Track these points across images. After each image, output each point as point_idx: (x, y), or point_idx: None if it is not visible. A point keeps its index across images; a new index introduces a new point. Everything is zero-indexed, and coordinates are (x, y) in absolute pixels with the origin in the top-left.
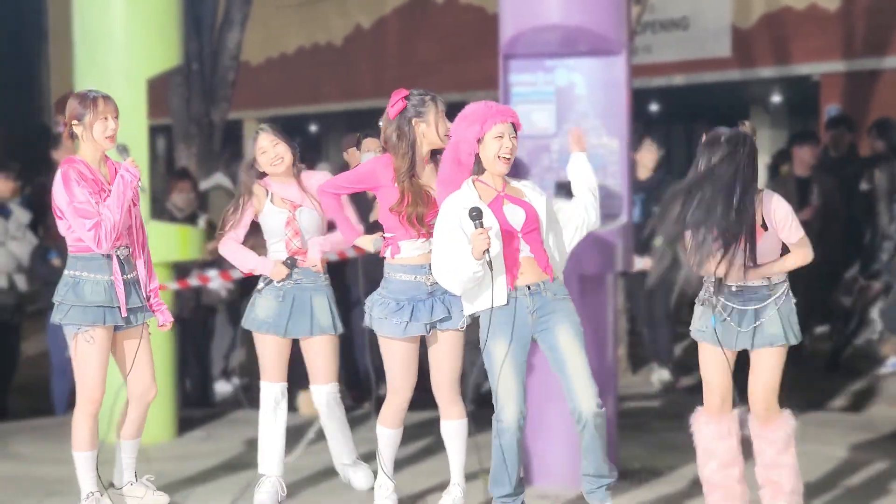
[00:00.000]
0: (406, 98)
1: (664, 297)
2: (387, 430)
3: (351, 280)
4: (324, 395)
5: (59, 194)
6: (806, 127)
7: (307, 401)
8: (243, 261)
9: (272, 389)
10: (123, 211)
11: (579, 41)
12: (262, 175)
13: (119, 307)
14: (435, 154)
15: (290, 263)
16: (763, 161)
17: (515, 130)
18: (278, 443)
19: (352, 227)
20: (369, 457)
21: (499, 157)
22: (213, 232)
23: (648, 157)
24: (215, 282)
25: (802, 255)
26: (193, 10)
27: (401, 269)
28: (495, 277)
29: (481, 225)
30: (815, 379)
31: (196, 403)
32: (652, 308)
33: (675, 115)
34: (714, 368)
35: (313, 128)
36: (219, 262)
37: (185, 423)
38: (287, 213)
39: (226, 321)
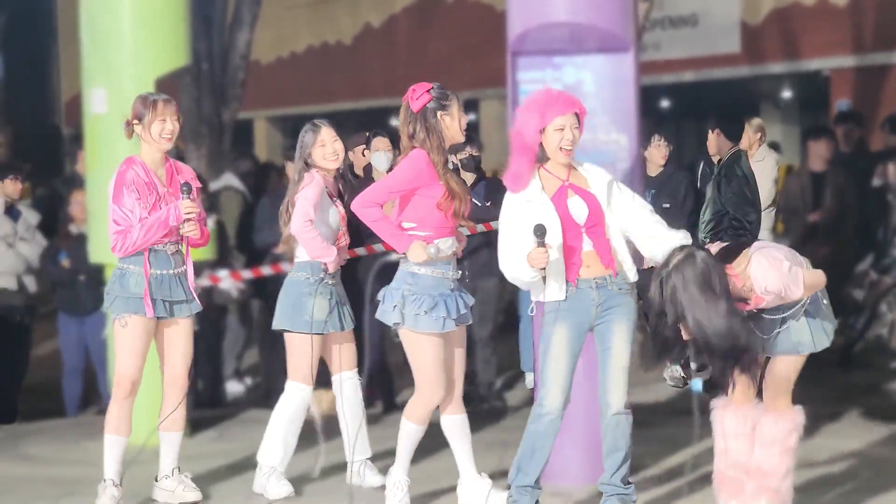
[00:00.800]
0: (429, 91)
1: None
2: (414, 426)
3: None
4: (351, 380)
5: (110, 189)
6: (816, 122)
7: (318, 400)
8: (319, 247)
9: (305, 391)
10: (150, 239)
11: (587, 38)
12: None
13: (156, 300)
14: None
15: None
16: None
17: (579, 119)
18: (293, 442)
19: (406, 235)
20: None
21: (560, 148)
22: (222, 232)
23: (657, 153)
24: (226, 282)
25: (814, 286)
26: (203, 9)
27: (432, 265)
28: (554, 274)
29: (543, 244)
30: (827, 373)
31: (207, 404)
32: None
33: (684, 112)
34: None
35: None
36: (229, 263)
37: (196, 424)
38: (340, 209)
39: (237, 321)
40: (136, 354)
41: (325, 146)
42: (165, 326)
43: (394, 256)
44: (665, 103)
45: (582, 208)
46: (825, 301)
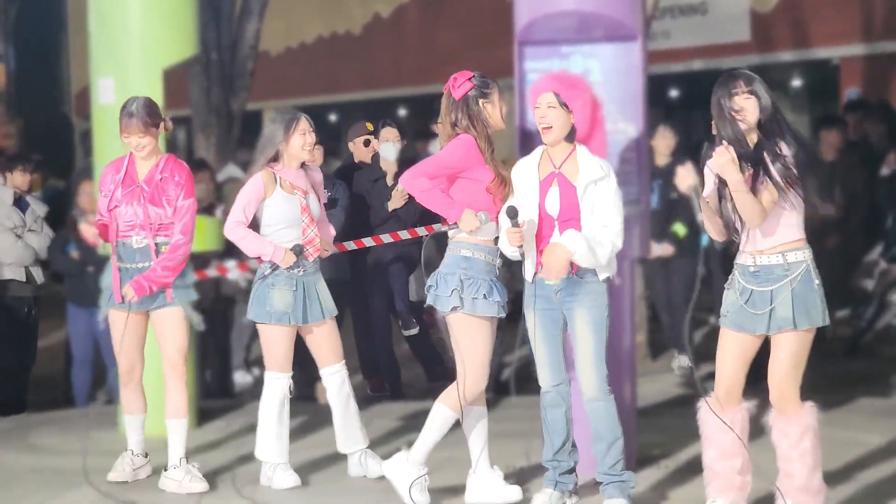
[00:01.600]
0: (471, 79)
1: (684, 282)
2: (451, 413)
3: (371, 267)
4: (337, 374)
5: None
6: (826, 111)
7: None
8: (257, 246)
9: (284, 382)
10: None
11: (594, 27)
12: (274, 159)
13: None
14: None
15: (298, 251)
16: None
17: (557, 98)
18: (286, 432)
19: (457, 203)
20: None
21: (539, 126)
22: None
23: (663, 143)
24: (234, 272)
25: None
26: (212, 0)
27: (483, 249)
28: (526, 257)
29: (516, 224)
30: (836, 363)
31: (216, 394)
32: (671, 294)
33: (694, 101)
34: (727, 359)
35: (333, 117)
36: (237, 253)
37: (204, 414)
38: (301, 199)
39: (245, 312)
40: (120, 344)
41: (305, 135)
42: (154, 319)
43: (444, 228)
44: (674, 92)
45: (555, 203)
46: (817, 282)
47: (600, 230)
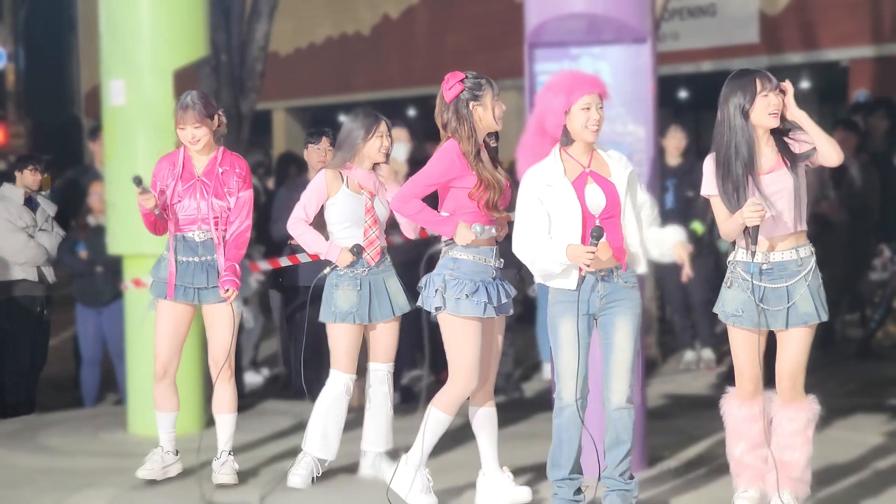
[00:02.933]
0: (462, 81)
1: (701, 281)
2: (442, 416)
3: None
4: (383, 372)
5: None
6: (836, 113)
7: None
8: (313, 244)
9: (343, 379)
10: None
11: (604, 29)
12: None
13: (179, 286)
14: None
15: (357, 251)
16: None
17: (602, 100)
18: (338, 430)
19: (450, 218)
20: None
21: (586, 128)
22: None
23: (674, 143)
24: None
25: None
26: (221, 1)
27: (477, 251)
28: (568, 269)
29: (595, 246)
30: (846, 365)
31: None
32: (688, 295)
33: (703, 102)
34: (746, 354)
35: (342, 118)
36: (248, 253)
37: None
38: (367, 200)
39: (257, 312)
40: (161, 337)
41: (382, 137)
42: (206, 314)
43: (439, 245)
44: (683, 94)
45: (599, 198)
46: (820, 276)
47: (657, 230)
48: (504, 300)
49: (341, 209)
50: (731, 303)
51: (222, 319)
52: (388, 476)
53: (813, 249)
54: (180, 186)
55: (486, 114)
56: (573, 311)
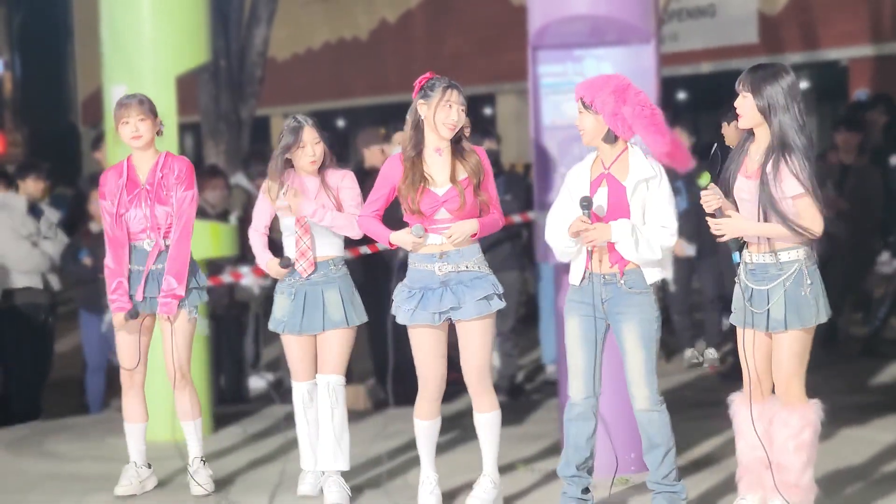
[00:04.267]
0: (426, 80)
1: (711, 281)
2: (418, 422)
3: (381, 273)
4: (324, 384)
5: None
6: (836, 112)
7: (352, 395)
8: (257, 255)
9: (299, 389)
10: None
11: (607, 31)
12: (290, 165)
13: (132, 296)
14: (457, 147)
15: (285, 263)
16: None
17: (584, 105)
18: (310, 440)
19: (383, 228)
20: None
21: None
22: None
23: None
24: (248, 278)
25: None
26: (220, 7)
27: (418, 258)
28: (575, 257)
29: (588, 215)
30: (850, 363)
31: (231, 399)
32: (692, 293)
33: (702, 103)
34: (748, 354)
35: (340, 123)
36: (251, 259)
37: (220, 419)
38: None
39: (261, 317)
40: (121, 348)
41: (305, 147)
42: (161, 322)
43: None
44: (683, 95)
45: (603, 201)
46: (810, 282)
47: (658, 230)
48: (451, 306)
49: (281, 219)
50: (734, 299)
51: (177, 328)
52: (330, 496)
53: (801, 255)
54: (125, 196)
55: (429, 114)
56: (579, 310)
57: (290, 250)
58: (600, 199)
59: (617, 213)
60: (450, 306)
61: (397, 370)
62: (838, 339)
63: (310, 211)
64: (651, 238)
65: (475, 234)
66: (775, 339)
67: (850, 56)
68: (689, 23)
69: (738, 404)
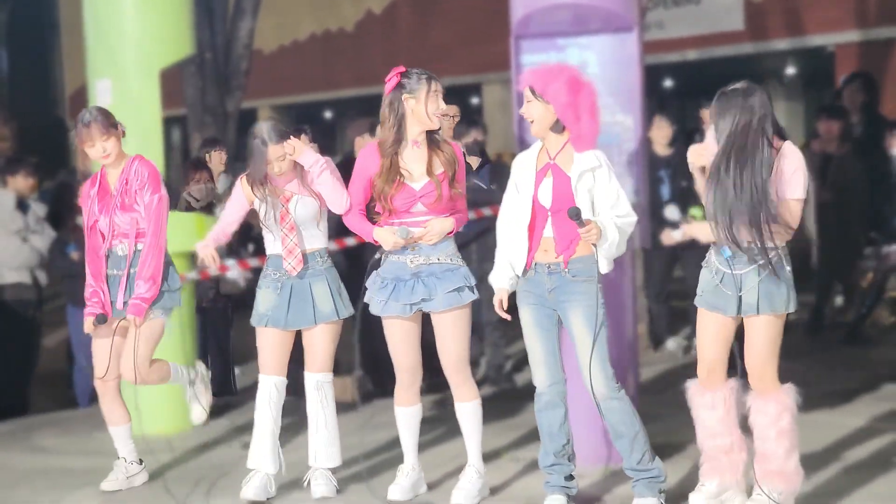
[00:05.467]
0: (402, 74)
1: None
2: (398, 410)
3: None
4: (313, 383)
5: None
6: (822, 98)
7: (339, 387)
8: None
9: (267, 382)
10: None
11: (591, 19)
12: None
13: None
14: (432, 140)
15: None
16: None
17: (535, 93)
18: (269, 439)
19: (368, 224)
20: (376, 441)
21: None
22: None
23: (660, 133)
24: (234, 271)
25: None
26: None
27: (392, 251)
28: (517, 249)
29: (581, 224)
30: (836, 350)
31: (218, 392)
32: (668, 283)
33: (689, 91)
34: (706, 338)
35: (327, 114)
36: (236, 251)
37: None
38: (280, 207)
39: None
40: (94, 354)
41: (271, 165)
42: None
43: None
44: (669, 82)
45: (548, 193)
46: (787, 268)
47: (626, 222)
48: (422, 296)
49: (262, 216)
50: (700, 282)
51: (140, 330)
52: (316, 489)
53: (780, 242)
54: (96, 206)
55: (419, 107)
56: (530, 300)
57: (271, 246)
58: (546, 190)
59: (561, 204)
60: (421, 298)
61: (372, 360)
62: (824, 326)
63: (310, 161)
64: (626, 231)
65: (450, 233)
66: (748, 325)
67: (837, 42)
68: (675, 10)
69: (693, 392)
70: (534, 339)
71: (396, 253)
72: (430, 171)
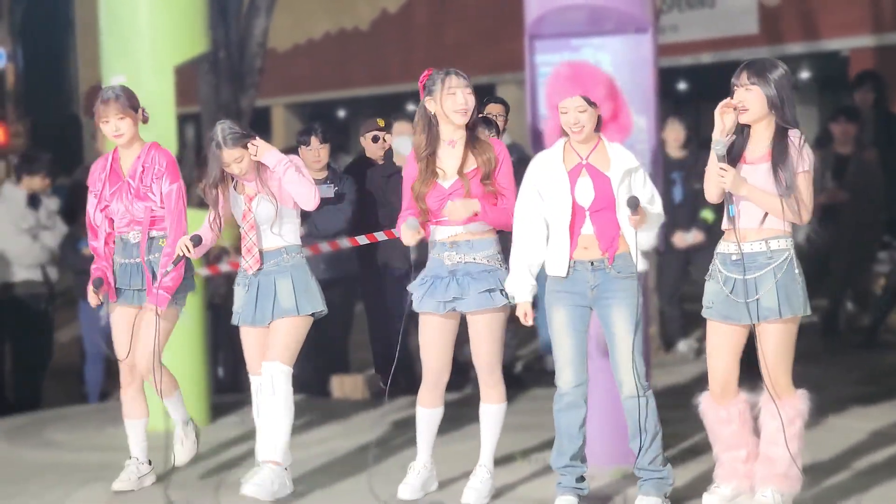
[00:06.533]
0: (427, 77)
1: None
2: (419, 410)
3: (390, 259)
4: (265, 370)
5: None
6: (837, 103)
7: (340, 384)
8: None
9: (255, 382)
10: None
11: (605, 20)
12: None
13: (120, 288)
14: (472, 138)
15: (196, 241)
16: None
17: (590, 102)
18: (265, 433)
19: (399, 220)
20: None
21: (570, 128)
22: None
23: (673, 135)
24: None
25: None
26: None
27: (434, 247)
28: (557, 249)
29: (636, 213)
30: (852, 354)
31: (228, 389)
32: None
33: (703, 94)
34: (718, 352)
35: (341, 113)
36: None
37: (217, 409)
38: (243, 204)
39: None
40: (119, 342)
41: (230, 166)
42: (138, 315)
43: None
44: (683, 85)
45: (588, 191)
46: (797, 271)
47: (657, 217)
48: (454, 295)
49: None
50: (706, 294)
51: (147, 321)
52: (247, 487)
53: (790, 245)
54: (107, 189)
55: (437, 107)
56: (565, 300)
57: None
58: (586, 190)
59: (601, 204)
60: (453, 296)
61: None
62: (839, 330)
63: (273, 160)
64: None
65: (477, 215)
66: (763, 331)
67: (851, 46)
68: (689, 13)
69: (706, 406)
70: (565, 340)
71: (437, 250)
72: (460, 170)
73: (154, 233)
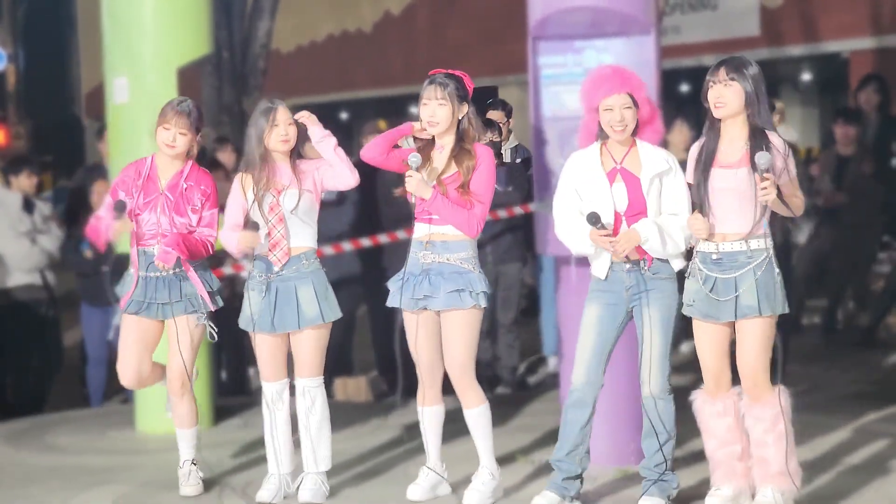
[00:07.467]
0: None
1: None
2: (420, 409)
3: (387, 264)
4: (299, 388)
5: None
6: (837, 104)
7: (343, 387)
8: (230, 246)
9: (267, 390)
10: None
11: (608, 22)
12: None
13: (143, 301)
14: (459, 143)
15: (254, 227)
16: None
17: (634, 101)
18: (278, 443)
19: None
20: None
21: (610, 127)
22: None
23: (680, 138)
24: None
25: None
26: None
27: (412, 245)
28: (599, 253)
29: (603, 227)
30: (850, 354)
31: (232, 392)
32: None
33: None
34: (707, 348)
35: (344, 115)
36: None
37: (221, 412)
38: (271, 198)
39: None
40: (125, 349)
41: (278, 126)
42: (168, 327)
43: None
44: (685, 87)
45: (622, 196)
46: (777, 271)
47: (672, 219)
48: (424, 293)
49: (251, 211)
50: (686, 292)
51: (180, 331)
52: (302, 495)
53: (769, 245)
54: (141, 199)
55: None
56: (600, 298)
57: (258, 247)
58: (620, 195)
59: (636, 209)
60: (424, 294)
61: (387, 361)
62: (837, 330)
63: (319, 135)
64: (672, 230)
65: (432, 200)
66: (741, 329)
67: (852, 48)
68: (691, 15)
69: (701, 402)
70: (589, 337)
71: (414, 248)
72: (441, 174)
73: None
